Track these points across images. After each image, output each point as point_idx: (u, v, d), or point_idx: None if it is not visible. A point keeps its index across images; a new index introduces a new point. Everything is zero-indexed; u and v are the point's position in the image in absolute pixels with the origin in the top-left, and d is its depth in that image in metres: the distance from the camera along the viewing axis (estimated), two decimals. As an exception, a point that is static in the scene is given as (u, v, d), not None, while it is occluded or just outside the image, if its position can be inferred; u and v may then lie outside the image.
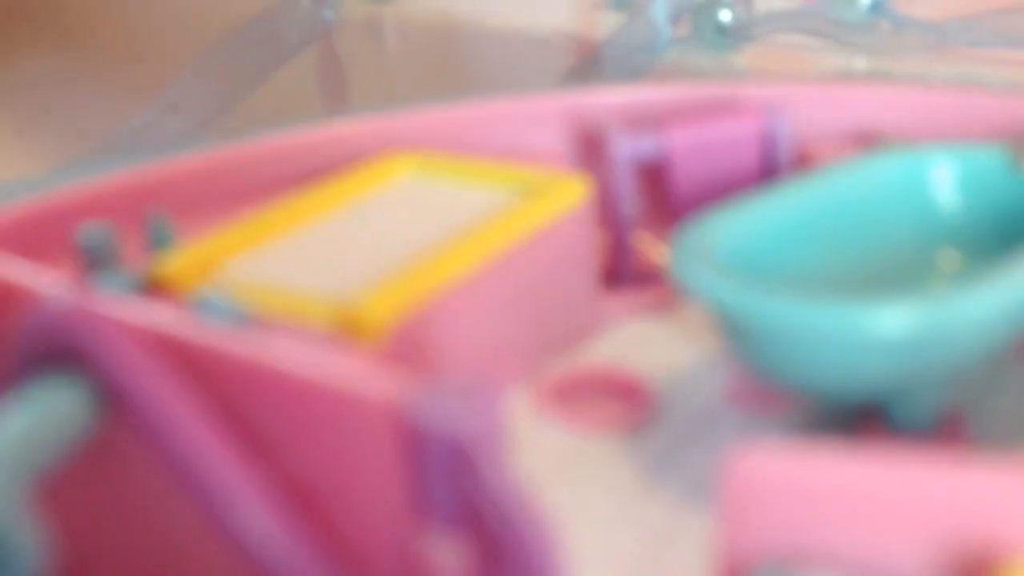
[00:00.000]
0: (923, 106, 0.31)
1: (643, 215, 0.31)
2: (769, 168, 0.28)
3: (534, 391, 0.25)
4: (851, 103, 0.31)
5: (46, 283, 0.21)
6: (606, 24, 0.65)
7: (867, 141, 0.30)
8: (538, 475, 0.23)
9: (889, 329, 0.20)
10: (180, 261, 0.24)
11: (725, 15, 0.54)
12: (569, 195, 0.26)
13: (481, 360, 0.24)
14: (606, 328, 0.27)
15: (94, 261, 0.24)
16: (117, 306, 0.20)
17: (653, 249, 0.30)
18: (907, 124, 0.31)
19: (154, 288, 0.23)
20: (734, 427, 0.24)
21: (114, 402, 0.18)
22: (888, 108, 0.31)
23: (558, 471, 0.23)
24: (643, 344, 0.27)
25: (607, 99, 0.32)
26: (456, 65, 0.62)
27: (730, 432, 0.24)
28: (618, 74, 0.54)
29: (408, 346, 0.22)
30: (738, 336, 0.22)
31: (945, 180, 0.26)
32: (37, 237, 0.26)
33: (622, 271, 0.28)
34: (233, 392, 0.19)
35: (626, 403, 0.25)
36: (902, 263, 0.26)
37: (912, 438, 0.22)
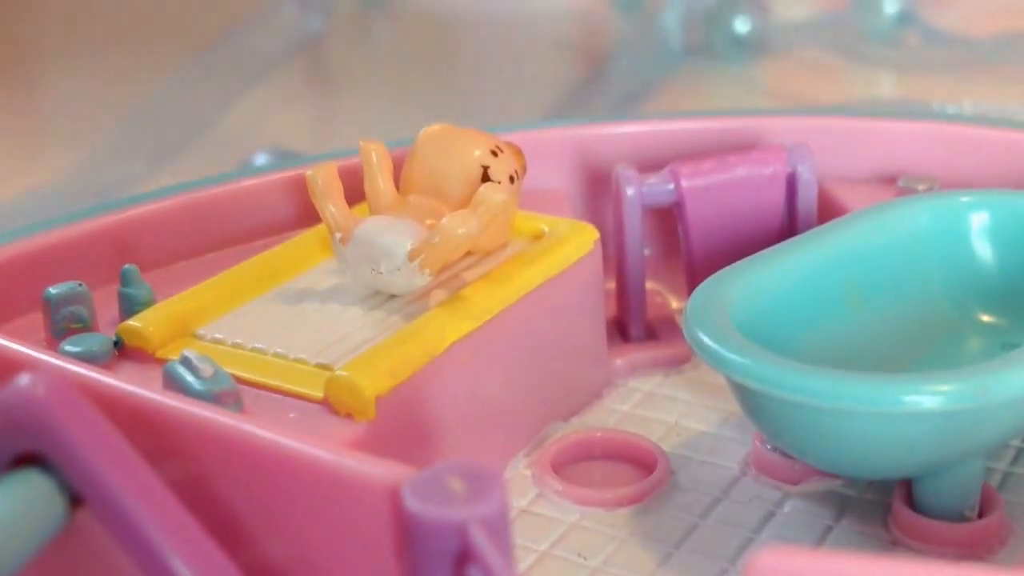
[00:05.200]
0: (956, 145, 0.31)
1: (656, 262, 0.32)
2: (791, 212, 0.28)
3: (538, 459, 0.25)
4: (879, 140, 0.31)
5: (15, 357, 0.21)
6: (614, 28, 0.64)
7: (895, 183, 0.30)
8: (541, 555, 0.23)
9: (924, 407, 0.20)
10: (154, 322, 0.24)
11: (742, 24, 0.54)
12: (577, 244, 0.26)
13: (481, 427, 0.24)
14: (615, 388, 0.27)
15: (64, 321, 0.24)
16: (88, 378, 0.20)
17: (666, 301, 0.30)
18: (938, 164, 0.31)
19: (127, 350, 0.23)
20: (753, 500, 0.24)
21: (84, 494, 0.18)
22: (919, 146, 0.31)
23: (563, 551, 0.23)
24: (656, 406, 0.27)
25: (615, 133, 0.32)
26: (453, 78, 0.62)
27: (749, 506, 0.24)
28: (626, 87, 0.54)
29: (402, 415, 0.22)
30: (758, 409, 0.22)
31: (980, 229, 0.26)
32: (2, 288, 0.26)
33: (633, 324, 0.28)
34: (213, 470, 0.19)
35: (637, 472, 0.25)
36: (934, 321, 0.26)
37: (943, 517, 0.22)
